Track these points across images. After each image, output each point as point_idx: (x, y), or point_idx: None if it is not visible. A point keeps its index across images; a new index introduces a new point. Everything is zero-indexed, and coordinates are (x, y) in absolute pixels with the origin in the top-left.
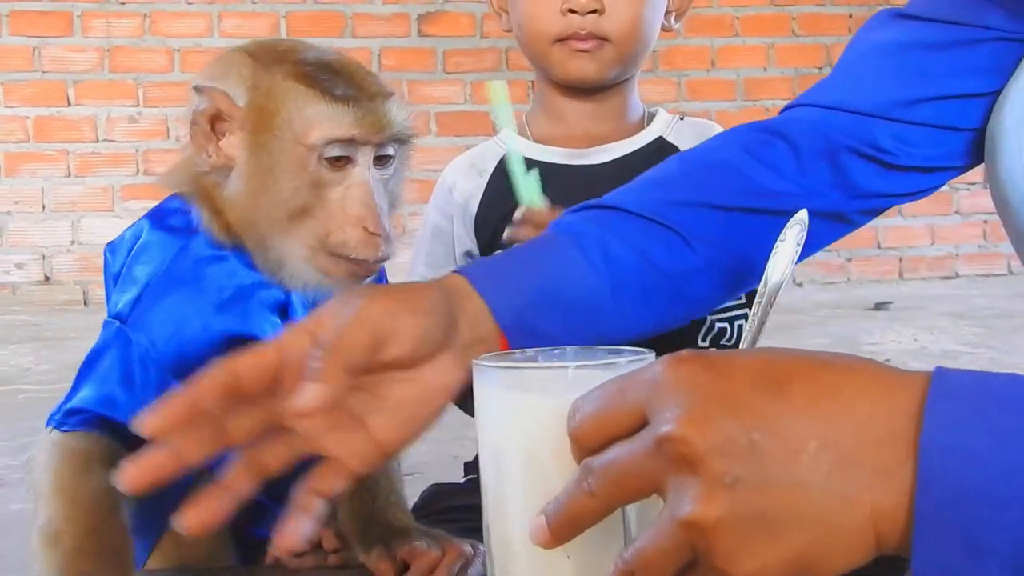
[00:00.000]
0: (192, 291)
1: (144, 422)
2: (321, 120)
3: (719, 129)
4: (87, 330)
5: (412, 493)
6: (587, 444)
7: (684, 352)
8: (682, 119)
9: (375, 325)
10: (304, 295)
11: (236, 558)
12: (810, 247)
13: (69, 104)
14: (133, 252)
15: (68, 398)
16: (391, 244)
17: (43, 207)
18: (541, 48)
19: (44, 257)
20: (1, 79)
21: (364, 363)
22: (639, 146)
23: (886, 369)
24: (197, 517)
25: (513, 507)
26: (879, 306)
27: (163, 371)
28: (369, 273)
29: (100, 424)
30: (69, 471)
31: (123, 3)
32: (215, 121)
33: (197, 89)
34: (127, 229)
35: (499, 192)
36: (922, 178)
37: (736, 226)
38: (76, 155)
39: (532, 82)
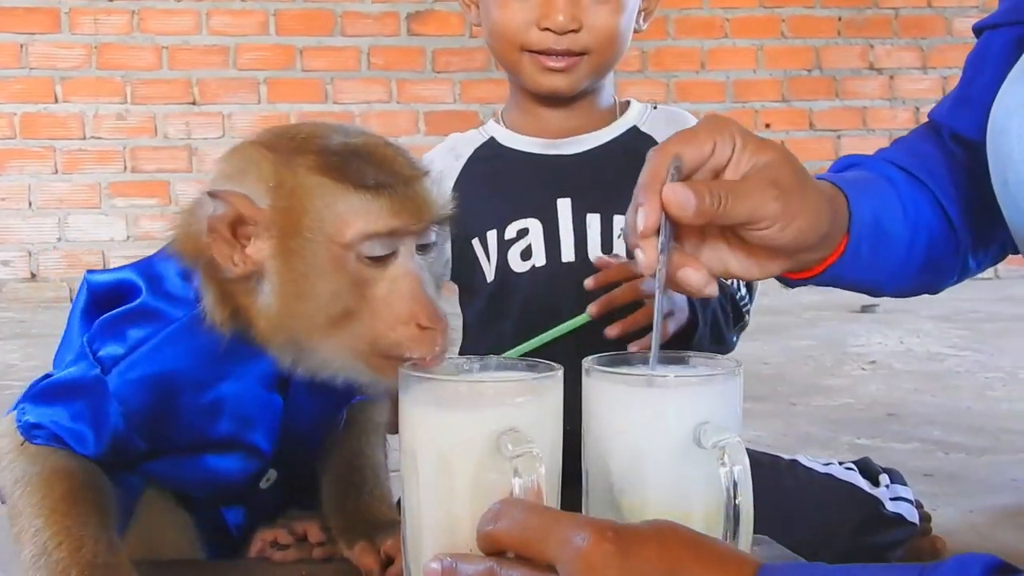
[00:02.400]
0: (177, 378)
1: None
2: (355, 215)
3: (692, 118)
4: None
5: (399, 491)
6: (496, 549)
7: (608, 529)
8: (655, 108)
9: (769, 220)
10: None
11: (204, 546)
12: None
13: (56, 101)
14: (130, 308)
15: (36, 398)
16: (448, 333)
17: (30, 204)
18: (512, 56)
19: (30, 254)
20: None
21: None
22: (613, 136)
23: (744, 565)
24: None
25: (426, 501)
26: (865, 308)
27: (132, 429)
28: (431, 365)
29: (61, 441)
30: (59, 495)
31: (111, 0)
32: (236, 226)
33: (212, 195)
34: (117, 271)
35: (472, 178)
36: None
37: None
38: (63, 152)
39: None
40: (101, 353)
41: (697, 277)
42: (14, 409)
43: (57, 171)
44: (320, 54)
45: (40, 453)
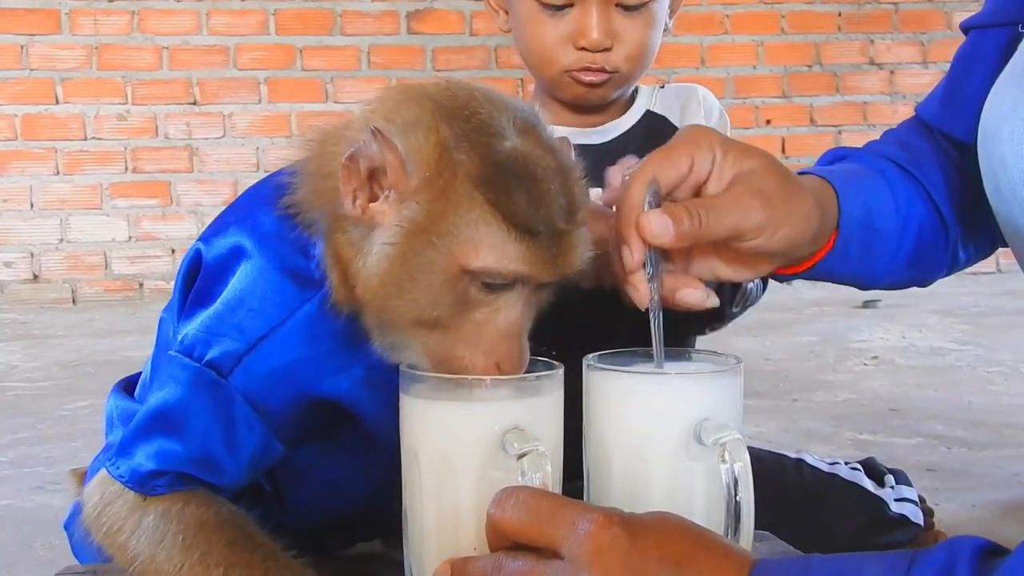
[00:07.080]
0: (313, 365)
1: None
2: (490, 248)
3: (702, 90)
4: (75, 328)
5: None
6: (502, 533)
7: (615, 515)
8: (663, 87)
9: (753, 232)
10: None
11: None
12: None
13: (57, 102)
14: (239, 292)
15: (131, 444)
16: (520, 370)
17: (31, 205)
18: (550, 75)
19: (32, 255)
20: None
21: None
22: (634, 122)
23: (743, 559)
24: None
25: (427, 500)
26: (867, 304)
27: (269, 430)
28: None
29: (187, 479)
30: (225, 543)
31: (111, 0)
32: (375, 173)
33: (375, 133)
34: (222, 235)
35: None
36: None
37: None
38: (64, 153)
39: (522, 79)
40: (210, 356)
41: (695, 295)
42: (104, 465)
43: (58, 172)
44: (320, 53)
45: (172, 504)
